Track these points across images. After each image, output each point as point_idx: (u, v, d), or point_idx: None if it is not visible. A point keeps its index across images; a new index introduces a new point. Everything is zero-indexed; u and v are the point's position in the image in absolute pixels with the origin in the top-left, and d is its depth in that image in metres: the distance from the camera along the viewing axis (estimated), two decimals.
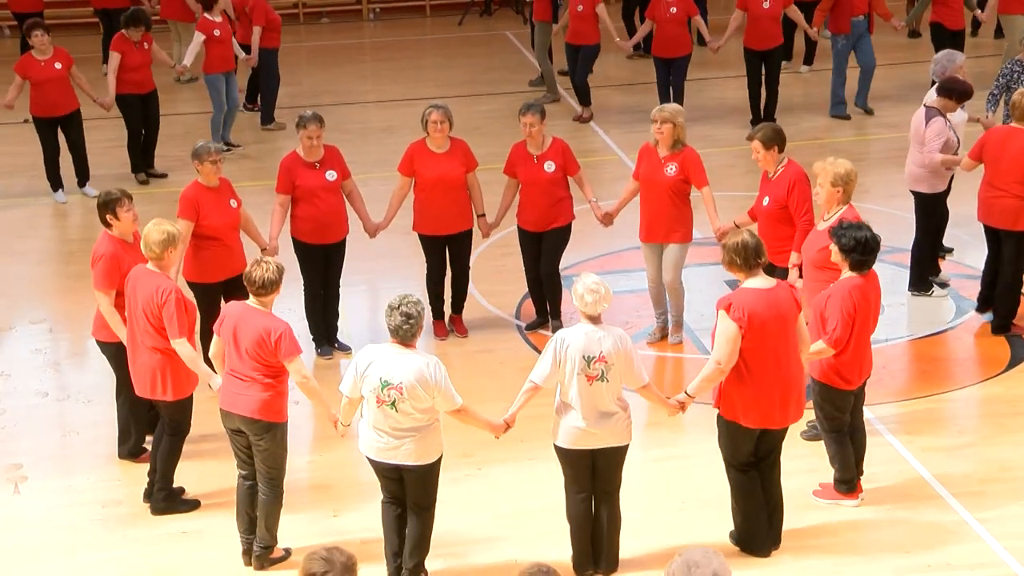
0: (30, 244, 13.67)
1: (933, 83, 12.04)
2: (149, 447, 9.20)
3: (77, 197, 14.75)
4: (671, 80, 16.42)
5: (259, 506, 8.15)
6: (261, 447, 8.06)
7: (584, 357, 7.56)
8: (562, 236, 10.95)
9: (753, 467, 8.02)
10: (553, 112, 16.92)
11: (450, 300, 11.31)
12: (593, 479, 7.87)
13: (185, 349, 8.43)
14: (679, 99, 16.31)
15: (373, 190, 12.32)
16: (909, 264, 11.75)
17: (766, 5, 15.95)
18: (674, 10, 16.09)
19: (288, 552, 8.30)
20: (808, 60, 19.14)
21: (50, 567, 8.32)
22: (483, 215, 11.14)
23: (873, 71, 16.80)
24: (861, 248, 8.07)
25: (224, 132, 16.18)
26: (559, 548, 8.02)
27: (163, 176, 15.34)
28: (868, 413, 9.57)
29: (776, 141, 9.85)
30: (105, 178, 14.46)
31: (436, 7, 23.48)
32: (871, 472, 8.94)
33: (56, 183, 14.75)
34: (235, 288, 9.76)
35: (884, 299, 11.19)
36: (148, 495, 8.90)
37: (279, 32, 16.81)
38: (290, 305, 10.71)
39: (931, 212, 11.54)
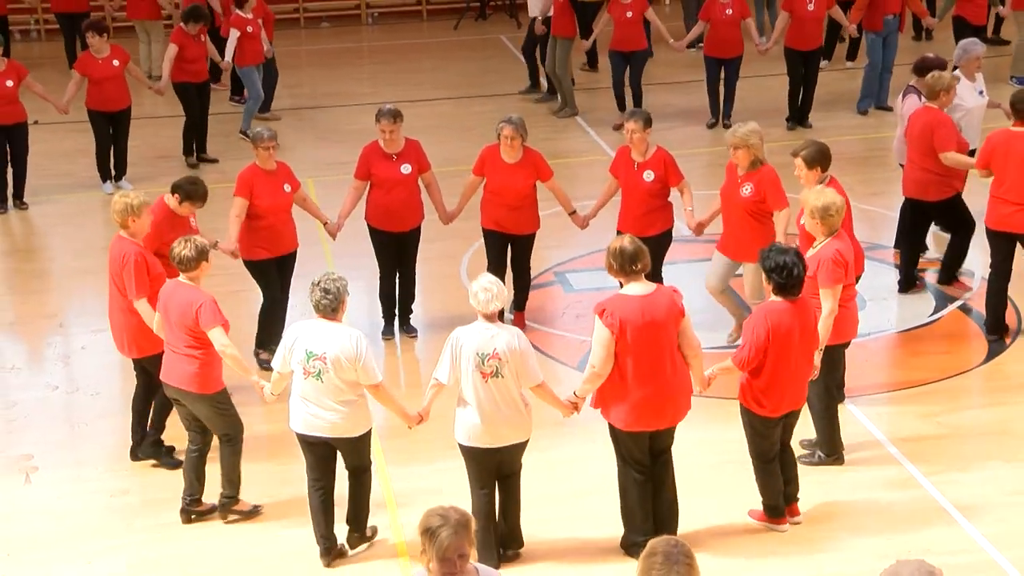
0: (42, 242, 13.67)
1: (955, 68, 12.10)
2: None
3: (92, 197, 14.76)
4: (724, 79, 16.42)
5: (220, 459, 8.46)
6: (203, 414, 8.37)
7: (478, 354, 7.53)
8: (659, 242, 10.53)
9: (645, 467, 7.88)
10: (534, 111, 17.06)
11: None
12: (497, 474, 7.88)
13: (143, 307, 8.69)
14: (730, 100, 16.46)
15: None
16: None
17: (811, 7, 15.93)
18: (730, 11, 16.02)
19: (257, 509, 8.59)
20: (851, 56, 18.96)
21: (59, 554, 8.33)
22: (574, 212, 11.06)
23: (892, 70, 16.78)
24: (779, 271, 7.80)
25: (246, 121, 16.49)
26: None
27: (214, 161, 15.68)
28: (851, 405, 9.68)
29: (820, 161, 9.50)
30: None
31: (432, 12, 23.49)
32: (851, 459, 9.01)
33: (105, 175, 15.06)
34: (286, 265, 10.50)
35: (867, 294, 11.39)
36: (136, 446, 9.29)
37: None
38: (359, 286, 11.05)
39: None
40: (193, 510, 8.56)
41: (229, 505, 8.56)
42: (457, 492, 7.76)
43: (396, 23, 23.28)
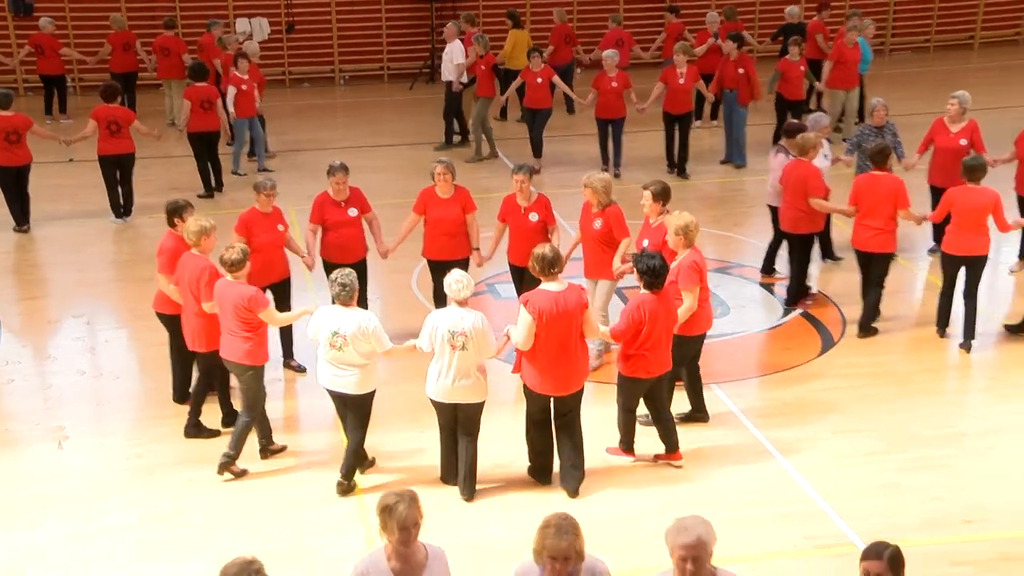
0: (74, 256, 13.54)
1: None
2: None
3: (104, 223, 14.64)
4: (612, 135, 16.29)
5: (235, 426, 8.66)
6: (244, 383, 8.60)
7: (450, 331, 7.89)
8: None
9: (547, 422, 8.25)
10: (457, 156, 17.10)
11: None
12: (456, 425, 8.19)
13: (208, 306, 8.75)
14: (618, 152, 16.28)
15: None
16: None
17: (681, 81, 15.95)
18: (615, 84, 15.90)
19: (245, 471, 8.67)
20: (714, 116, 18.86)
21: (84, 507, 8.31)
22: (477, 248, 10.73)
23: (738, 132, 16.66)
24: (649, 272, 8.08)
25: (259, 162, 16.59)
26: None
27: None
28: (718, 390, 9.79)
29: (663, 196, 9.61)
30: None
31: (392, 76, 23.44)
32: (714, 429, 9.13)
33: (209, 186, 15.41)
34: (280, 290, 10.31)
35: (731, 302, 11.56)
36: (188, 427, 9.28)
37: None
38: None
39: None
40: (230, 467, 8.60)
41: (228, 464, 8.58)
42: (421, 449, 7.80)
43: (363, 84, 23.21)
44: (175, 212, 9.36)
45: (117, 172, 14.47)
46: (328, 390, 8.26)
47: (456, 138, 18.16)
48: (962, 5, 24.96)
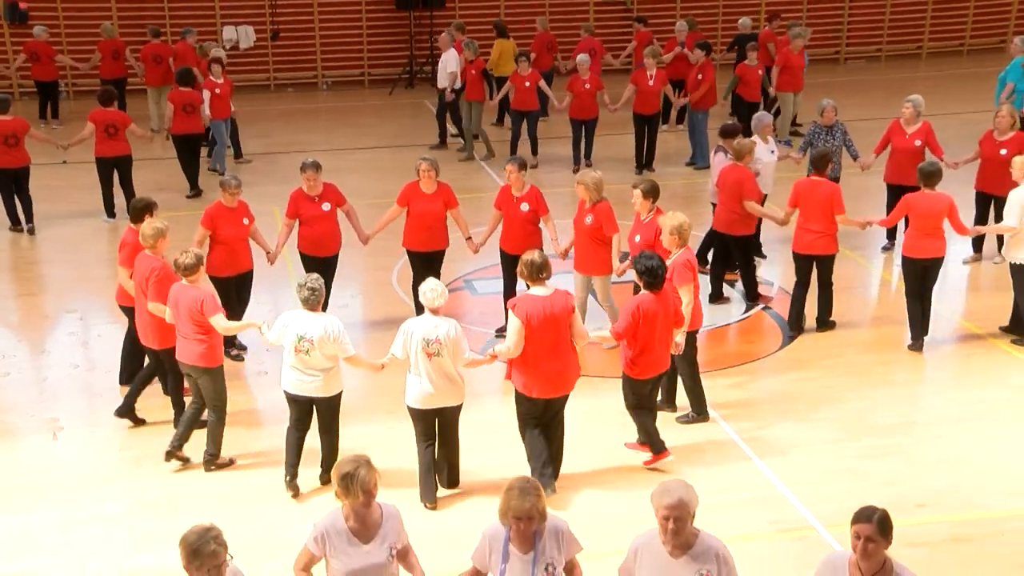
0: (69, 254, 13.41)
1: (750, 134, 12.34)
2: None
3: (98, 223, 14.48)
4: (585, 135, 16.53)
5: (207, 426, 8.45)
6: (204, 384, 8.38)
7: (424, 339, 7.64)
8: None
9: (540, 424, 7.97)
10: (452, 158, 17.04)
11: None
12: (437, 431, 7.94)
13: (157, 308, 8.60)
14: (589, 150, 16.52)
15: None
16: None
17: (651, 83, 16.16)
18: (588, 86, 16.18)
19: (232, 460, 8.57)
20: (680, 120, 18.77)
21: (78, 495, 8.23)
22: (469, 238, 10.82)
23: (699, 135, 16.72)
24: (649, 273, 8.00)
25: (221, 163, 16.33)
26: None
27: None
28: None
29: (652, 194, 9.66)
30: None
31: (372, 81, 23.34)
32: (681, 426, 9.10)
33: (195, 185, 15.33)
34: (242, 281, 10.31)
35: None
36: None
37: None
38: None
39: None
40: (175, 454, 8.48)
41: (212, 461, 8.46)
42: (398, 445, 7.76)
43: (345, 89, 23.10)
44: (144, 209, 9.34)
45: (113, 173, 14.35)
46: (293, 396, 7.97)
47: (460, 142, 17.87)
48: (911, 19, 25.29)
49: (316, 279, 7.87)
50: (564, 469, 8.23)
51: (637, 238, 9.63)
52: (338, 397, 8.02)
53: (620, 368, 8.36)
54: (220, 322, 8.20)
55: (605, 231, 9.99)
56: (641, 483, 8.02)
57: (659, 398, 8.94)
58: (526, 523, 5.23)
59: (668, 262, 8.59)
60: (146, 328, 8.89)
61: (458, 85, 17.17)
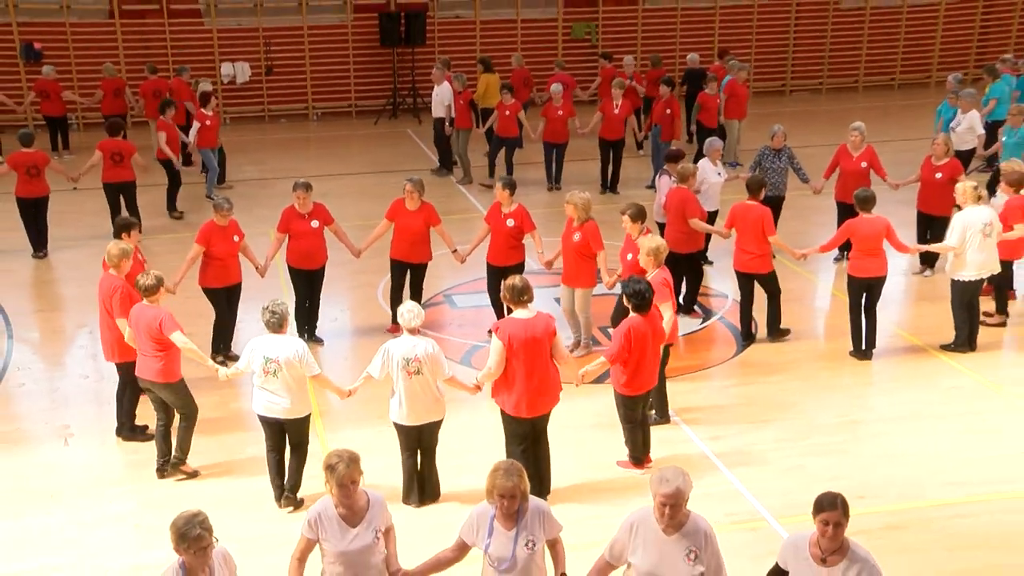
0: (81, 273, 13.29)
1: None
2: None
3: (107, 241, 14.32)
4: (556, 158, 16.66)
5: (177, 432, 8.25)
6: (168, 398, 8.18)
7: (404, 358, 7.47)
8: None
9: (527, 442, 7.71)
10: (437, 183, 17.01)
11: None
12: (418, 443, 7.78)
13: (123, 324, 8.40)
14: (559, 171, 16.64)
15: None
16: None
17: (616, 111, 16.31)
18: (560, 112, 16.31)
19: (196, 472, 8.35)
20: (639, 146, 18.77)
21: (88, 497, 8.16)
22: (455, 250, 10.86)
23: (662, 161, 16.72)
24: (637, 296, 7.95)
25: (209, 187, 16.29)
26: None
27: (181, 216, 15.38)
28: None
29: (640, 217, 9.67)
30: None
31: (359, 112, 23.27)
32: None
33: (173, 208, 15.30)
34: (233, 294, 10.31)
35: None
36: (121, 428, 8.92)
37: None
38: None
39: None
40: (165, 469, 8.34)
41: (177, 465, 8.31)
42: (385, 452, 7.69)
43: (333, 120, 23.04)
44: (123, 227, 9.39)
45: (120, 198, 14.28)
46: (263, 418, 7.72)
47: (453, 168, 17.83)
48: (848, 55, 25.54)
49: (280, 303, 7.58)
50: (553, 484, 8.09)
51: (629, 256, 9.67)
52: (306, 420, 7.75)
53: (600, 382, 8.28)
54: (179, 339, 7.99)
55: (592, 247, 10.04)
56: (629, 489, 7.99)
57: (652, 413, 8.91)
58: (510, 501, 5.35)
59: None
60: (109, 343, 8.79)
61: (452, 114, 17.24)
